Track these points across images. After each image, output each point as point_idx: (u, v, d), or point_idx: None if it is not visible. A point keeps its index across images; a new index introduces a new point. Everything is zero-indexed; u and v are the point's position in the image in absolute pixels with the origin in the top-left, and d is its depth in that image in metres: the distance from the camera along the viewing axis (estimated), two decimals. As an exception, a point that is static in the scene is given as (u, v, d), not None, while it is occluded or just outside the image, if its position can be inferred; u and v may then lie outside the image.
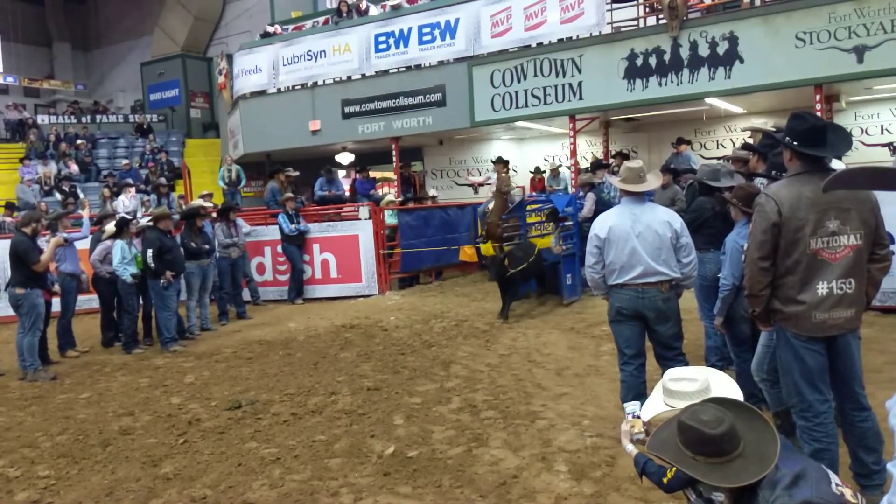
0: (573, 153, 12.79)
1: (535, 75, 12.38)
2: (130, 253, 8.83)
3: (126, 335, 8.94)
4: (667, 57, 11.14)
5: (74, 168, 18.81)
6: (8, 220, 13.01)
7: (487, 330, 8.32)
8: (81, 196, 16.06)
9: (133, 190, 14.58)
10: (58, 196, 16.60)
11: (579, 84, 12.00)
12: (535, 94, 12.43)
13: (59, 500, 4.40)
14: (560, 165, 14.11)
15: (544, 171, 14.41)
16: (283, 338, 8.89)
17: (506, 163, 11.58)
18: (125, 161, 19.29)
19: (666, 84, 11.17)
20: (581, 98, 12.01)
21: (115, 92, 25.92)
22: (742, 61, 10.57)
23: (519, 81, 12.55)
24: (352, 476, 4.46)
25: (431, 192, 14.76)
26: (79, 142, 20.18)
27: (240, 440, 5.26)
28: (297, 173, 13.89)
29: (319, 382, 6.63)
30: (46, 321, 8.19)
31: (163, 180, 15.07)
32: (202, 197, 12.37)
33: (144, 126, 21.67)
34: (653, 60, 11.27)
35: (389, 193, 14.17)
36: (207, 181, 17.46)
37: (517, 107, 12.62)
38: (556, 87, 12.22)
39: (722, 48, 10.70)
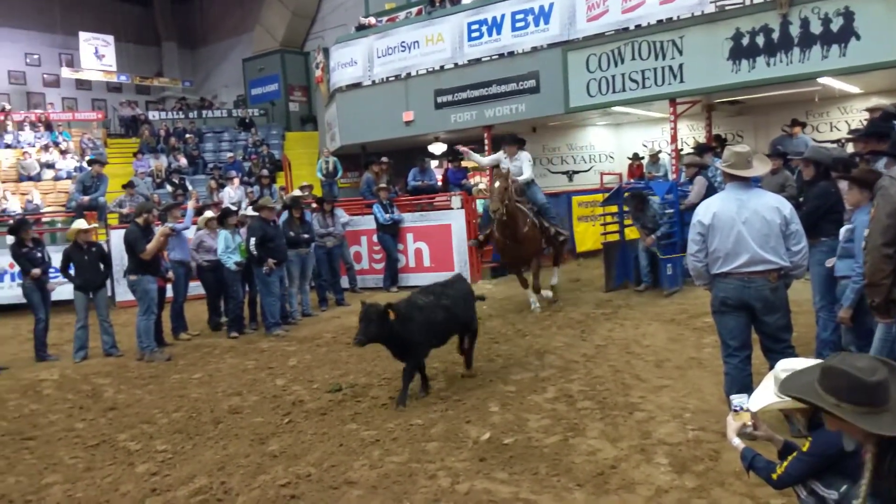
0: (673, 138, 12.40)
1: (633, 58, 12.05)
2: (234, 242, 9.24)
3: (231, 320, 9.37)
4: (775, 35, 10.59)
5: (183, 161, 19.80)
6: (127, 199, 13.76)
7: (582, 320, 8.19)
8: (190, 188, 16.88)
9: (237, 181, 15.21)
10: (168, 188, 17.50)
11: (680, 66, 11.60)
12: (632, 78, 12.11)
13: (176, 472, 4.67)
14: (660, 151, 13.71)
15: (643, 158, 14.04)
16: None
17: (505, 175, 8.34)
18: (230, 154, 20.17)
19: (774, 64, 10.63)
20: (682, 81, 11.61)
21: (220, 88, 27.08)
22: (858, 38, 9.91)
23: (616, 65, 12.26)
24: (449, 460, 4.52)
25: None
26: (187, 136, 21.22)
27: (341, 422, 5.43)
28: (389, 161, 14.10)
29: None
30: (161, 305, 8.70)
31: (265, 172, 15.65)
32: (302, 188, 12.76)
33: (247, 120, 22.55)
34: (760, 39, 10.75)
35: (482, 182, 14.18)
36: (306, 173, 17.99)
37: (614, 91, 12.34)
38: (655, 70, 11.86)
39: (836, 24, 10.07)
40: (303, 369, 7.13)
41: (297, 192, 11.88)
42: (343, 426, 5.32)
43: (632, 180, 13.44)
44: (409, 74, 15.17)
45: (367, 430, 5.17)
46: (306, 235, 10.04)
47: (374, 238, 11.95)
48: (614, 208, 10.23)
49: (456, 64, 14.49)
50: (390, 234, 11.66)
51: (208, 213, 9.83)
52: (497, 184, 8.29)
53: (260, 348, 8.33)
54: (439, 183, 14.52)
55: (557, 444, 4.66)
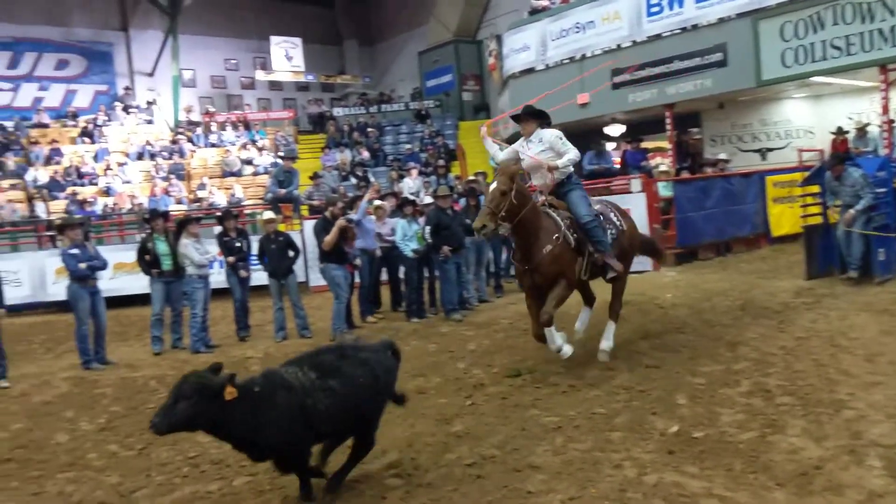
0: (885, 109, 11.15)
1: (836, 23, 10.98)
2: (411, 230, 9.58)
3: (409, 304, 9.74)
4: None
5: (366, 154, 20.83)
6: (314, 190, 14.75)
7: (780, 311, 7.60)
8: (372, 179, 17.74)
9: (415, 172, 15.76)
10: (353, 180, 18.50)
11: (892, 28, 10.37)
12: (835, 45, 11.02)
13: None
14: (868, 124, 12.38)
15: (848, 132, 12.75)
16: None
17: (510, 174, 5.98)
18: (408, 146, 20.94)
19: None
20: (895, 45, 10.37)
21: (397, 82, 28.11)
22: None
23: (815, 31, 11.23)
24: (634, 451, 4.41)
25: (722, 156, 13.78)
26: (368, 130, 22.30)
27: (521, 406, 5.46)
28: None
29: (595, 357, 6.60)
30: (350, 290, 9.24)
31: (440, 162, 16.08)
32: (476, 175, 12.94)
33: (422, 112, 23.26)
34: None
35: (663, 164, 13.62)
36: (479, 161, 18.23)
37: (813, 60, 11.33)
38: (862, 34, 10.73)
39: None
40: (482, 353, 7.25)
41: (471, 178, 12.09)
42: (524, 411, 5.34)
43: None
44: (583, 56, 14.89)
45: (548, 416, 5.15)
46: (478, 223, 10.17)
47: (549, 224, 11.85)
48: (816, 188, 9.37)
49: (634, 41, 14.03)
50: (566, 219, 11.50)
51: (376, 202, 10.28)
52: (493, 185, 5.92)
53: (440, 332, 8.57)
54: (616, 166, 14.12)
55: (754, 440, 4.39)
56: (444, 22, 24.86)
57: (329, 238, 8.83)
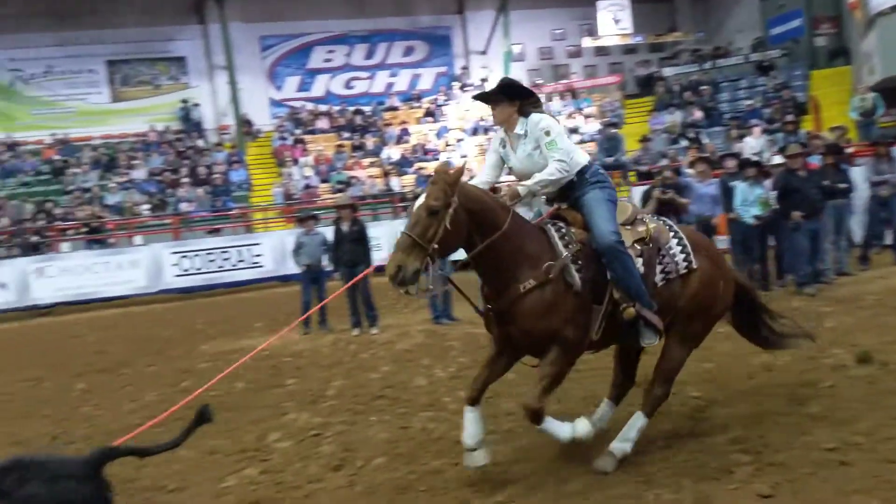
0: None
1: None
2: (753, 194, 8.80)
3: (751, 275, 9.01)
4: None
5: (698, 114, 19.67)
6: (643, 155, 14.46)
7: None
8: (706, 141, 16.71)
9: (758, 130, 14.48)
10: (683, 143, 17.62)
11: None
12: None
13: (711, 420, 4.69)
14: None
15: None
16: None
17: (444, 185, 3.77)
18: (748, 102, 19.30)
19: None
20: None
21: (734, 34, 25.91)
22: None
23: None
24: None
25: None
26: (702, 88, 21.01)
27: (895, 393, 4.73)
28: None
29: None
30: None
31: (789, 117, 14.56)
32: (833, 130, 11.48)
33: (765, 63, 21.17)
34: None
35: None
36: (836, 114, 16.10)
37: None
38: None
39: None
40: (843, 332, 6.48)
41: (827, 133, 10.78)
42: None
43: None
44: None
45: (931, 407, 4.40)
46: (843, 185, 8.99)
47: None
48: None
49: None
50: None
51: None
52: (419, 200, 3.79)
53: (790, 307, 7.77)
54: None
55: None
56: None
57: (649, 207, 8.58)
